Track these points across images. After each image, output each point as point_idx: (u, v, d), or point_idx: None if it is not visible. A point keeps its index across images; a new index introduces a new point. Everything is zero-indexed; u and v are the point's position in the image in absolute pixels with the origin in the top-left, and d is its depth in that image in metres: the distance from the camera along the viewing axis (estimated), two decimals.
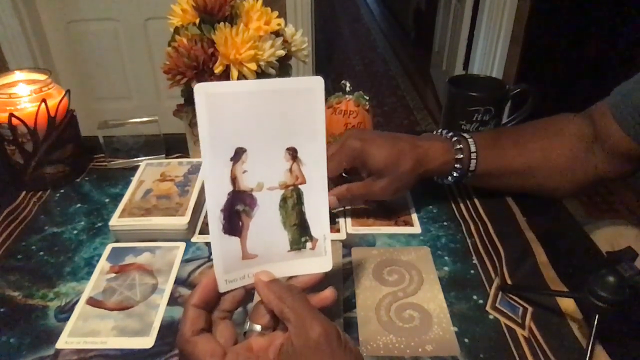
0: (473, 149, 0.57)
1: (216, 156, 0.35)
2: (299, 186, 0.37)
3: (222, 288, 0.36)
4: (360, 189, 0.58)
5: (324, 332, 0.32)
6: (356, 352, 0.34)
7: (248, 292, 0.38)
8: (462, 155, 0.57)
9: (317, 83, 0.36)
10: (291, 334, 0.33)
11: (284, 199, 0.37)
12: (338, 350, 0.32)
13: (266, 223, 0.37)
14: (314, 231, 0.38)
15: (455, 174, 0.58)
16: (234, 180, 0.36)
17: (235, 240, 0.36)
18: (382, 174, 0.56)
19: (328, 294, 0.38)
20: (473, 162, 0.58)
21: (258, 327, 0.36)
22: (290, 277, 0.39)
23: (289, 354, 0.32)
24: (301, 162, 0.37)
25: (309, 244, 0.38)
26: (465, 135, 0.59)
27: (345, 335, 0.34)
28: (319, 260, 0.39)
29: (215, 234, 0.36)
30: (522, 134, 0.62)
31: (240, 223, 0.36)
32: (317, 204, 0.38)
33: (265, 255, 0.37)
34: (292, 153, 0.37)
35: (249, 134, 0.35)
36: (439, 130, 0.62)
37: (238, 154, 0.35)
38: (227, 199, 0.36)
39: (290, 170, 0.37)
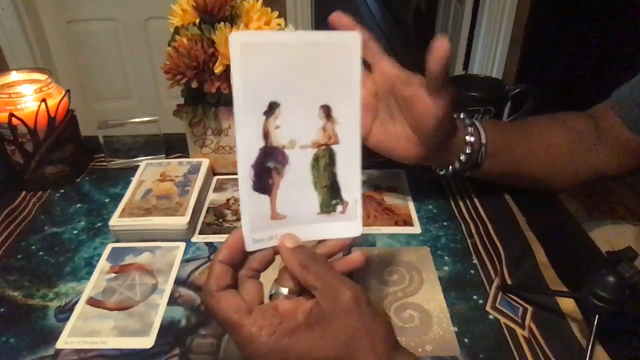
0: (480, 127, 0.55)
1: (249, 109, 0.33)
2: (332, 146, 0.36)
3: (249, 247, 0.35)
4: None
5: (353, 295, 0.31)
6: (384, 316, 0.33)
7: (277, 254, 0.37)
8: (472, 131, 0.54)
9: (355, 39, 0.35)
10: (319, 300, 0.32)
11: (316, 159, 0.36)
12: (368, 314, 0.32)
13: (297, 183, 0.36)
14: (345, 194, 0.37)
15: (468, 151, 0.54)
16: (266, 135, 0.34)
17: (265, 198, 0.35)
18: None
19: (356, 257, 0.37)
20: (483, 136, 0.55)
21: (285, 291, 0.35)
22: (319, 241, 0.37)
23: (318, 317, 0.32)
24: (335, 121, 0.36)
25: (339, 207, 0.37)
26: (475, 121, 0.56)
27: (374, 300, 0.33)
28: (348, 225, 0.38)
29: (245, 190, 0.35)
30: (526, 123, 0.61)
31: (271, 181, 0.35)
32: (350, 166, 0.37)
33: (295, 217, 0.36)
34: (326, 111, 0.35)
35: (283, 88, 0.34)
36: None
37: (272, 108, 0.34)
38: (259, 154, 0.34)
39: (324, 129, 0.36)
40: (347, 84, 0.35)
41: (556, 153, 0.59)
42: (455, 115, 0.55)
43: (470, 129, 0.55)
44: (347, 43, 0.35)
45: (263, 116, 0.34)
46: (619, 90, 0.58)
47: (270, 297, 0.36)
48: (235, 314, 0.32)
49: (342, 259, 0.37)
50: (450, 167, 0.57)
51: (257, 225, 0.35)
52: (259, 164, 0.34)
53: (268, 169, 0.35)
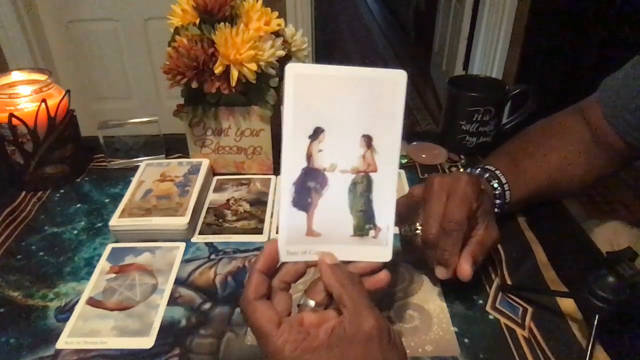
0: (504, 180, 0.54)
1: (296, 132, 0.36)
2: (370, 174, 0.38)
3: (283, 258, 0.38)
4: (486, 239, 0.46)
5: (377, 325, 0.33)
6: (402, 351, 0.35)
7: (309, 268, 0.39)
8: (499, 191, 0.54)
9: (401, 76, 0.37)
10: (345, 320, 0.33)
11: (354, 184, 0.38)
12: (387, 346, 0.33)
13: (334, 204, 0.38)
14: (379, 220, 0.39)
15: (495, 210, 0.54)
16: (309, 157, 0.37)
17: (302, 214, 0.38)
18: (490, 215, 0.48)
19: (382, 276, 0.38)
20: (507, 193, 0.55)
21: (312, 303, 0.37)
22: (349, 261, 0.39)
23: (340, 338, 0.33)
24: (375, 150, 0.38)
25: (372, 232, 0.39)
26: (488, 167, 0.56)
27: (394, 333, 0.35)
28: (379, 249, 0.39)
29: (285, 204, 0.37)
30: (534, 150, 0.60)
31: (310, 199, 0.37)
32: (385, 193, 0.39)
33: (329, 236, 0.38)
34: (368, 141, 0.37)
35: (329, 116, 0.37)
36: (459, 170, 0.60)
37: (316, 133, 0.37)
38: (301, 173, 0.37)
39: (364, 157, 0.38)
40: (390, 117, 0.37)
41: (571, 172, 0.59)
42: (477, 171, 0.56)
43: (497, 192, 0.54)
44: (394, 80, 0.37)
45: (308, 140, 0.37)
46: (606, 84, 0.58)
47: (298, 305, 0.38)
48: (266, 325, 0.34)
49: (369, 278, 0.38)
50: None
51: (292, 239, 0.38)
52: (300, 183, 0.37)
53: (308, 188, 0.37)
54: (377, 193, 0.38)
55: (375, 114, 0.37)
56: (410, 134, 0.60)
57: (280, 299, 0.37)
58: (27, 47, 1.84)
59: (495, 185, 0.54)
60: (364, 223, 0.39)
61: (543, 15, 1.96)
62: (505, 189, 0.55)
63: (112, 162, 0.73)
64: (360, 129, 0.37)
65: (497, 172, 0.55)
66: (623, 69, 0.56)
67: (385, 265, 0.39)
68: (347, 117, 0.37)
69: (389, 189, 0.39)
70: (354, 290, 0.35)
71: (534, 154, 0.59)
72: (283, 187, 0.37)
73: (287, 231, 0.37)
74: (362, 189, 0.38)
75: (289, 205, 0.37)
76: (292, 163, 0.37)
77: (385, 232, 0.39)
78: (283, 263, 0.38)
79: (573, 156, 0.59)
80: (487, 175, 0.55)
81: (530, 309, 0.47)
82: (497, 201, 0.54)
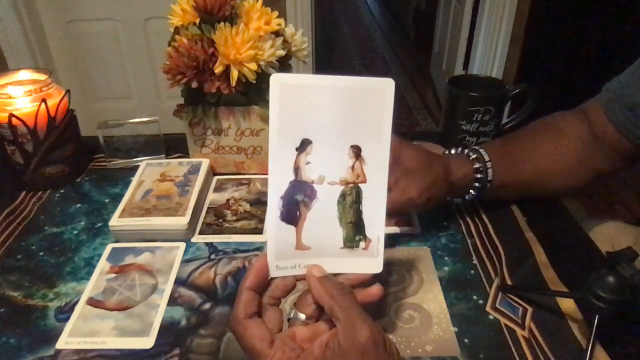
0: (487, 157, 0.56)
1: (282, 144, 0.36)
2: (359, 185, 0.38)
3: (273, 273, 0.37)
4: (398, 196, 0.52)
5: (372, 336, 0.32)
6: (398, 358, 0.34)
7: (298, 282, 0.39)
8: (479, 165, 0.56)
9: (388, 85, 0.36)
10: (339, 332, 0.33)
11: (343, 195, 0.37)
12: (383, 356, 0.33)
13: (323, 217, 0.37)
14: (369, 231, 0.38)
15: (477, 185, 0.56)
16: (296, 169, 0.36)
17: (291, 229, 0.37)
18: (414, 174, 0.52)
19: (375, 290, 0.38)
20: (490, 171, 0.56)
21: (302, 316, 0.37)
22: (339, 273, 0.39)
23: (334, 352, 0.33)
24: (364, 161, 0.37)
25: (362, 244, 0.38)
26: (475, 147, 0.58)
27: (390, 341, 0.34)
28: (370, 261, 0.39)
29: (272, 219, 0.37)
30: (527, 140, 0.61)
31: (298, 213, 0.37)
32: (375, 204, 0.38)
33: (319, 249, 0.38)
34: (356, 151, 0.37)
35: (316, 127, 0.36)
36: (445, 151, 0.62)
37: (304, 145, 0.36)
38: (288, 187, 0.36)
39: (353, 167, 0.37)
40: (379, 126, 0.37)
41: (562, 166, 0.59)
42: (459, 151, 0.59)
43: (478, 165, 0.56)
44: (381, 89, 0.36)
45: (295, 152, 0.36)
46: (609, 86, 0.58)
47: (289, 320, 0.38)
48: (259, 344, 0.34)
49: (362, 290, 0.38)
50: (461, 199, 0.60)
51: (282, 254, 0.37)
52: (288, 196, 0.37)
53: (296, 201, 0.37)
54: (367, 204, 0.38)
55: (364, 123, 0.37)
56: (410, 134, 0.60)
57: (270, 315, 0.36)
58: (27, 47, 1.84)
59: (476, 161, 0.56)
60: (354, 235, 0.38)
61: (543, 15, 1.96)
62: (488, 166, 0.56)
63: (112, 162, 0.73)
64: (348, 140, 0.37)
65: (482, 150, 0.57)
66: (626, 70, 0.56)
67: (378, 279, 0.38)
68: (335, 128, 0.36)
69: (378, 199, 0.38)
70: (345, 302, 0.34)
71: (525, 143, 0.60)
72: (270, 201, 0.36)
73: (276, 246, 0.37)
74: (351, 200, 0.38)
75: (277, 220, 0.37)
76: (279, 176, 0.36)
77: (375, 243, 0.39)
78: (272, 278, 0.37)
79: (567, 151, 0.59)
80: (468, 150, 0.57)
81: (530, 309, 0.47)
82: (478, 176, 0.56)
